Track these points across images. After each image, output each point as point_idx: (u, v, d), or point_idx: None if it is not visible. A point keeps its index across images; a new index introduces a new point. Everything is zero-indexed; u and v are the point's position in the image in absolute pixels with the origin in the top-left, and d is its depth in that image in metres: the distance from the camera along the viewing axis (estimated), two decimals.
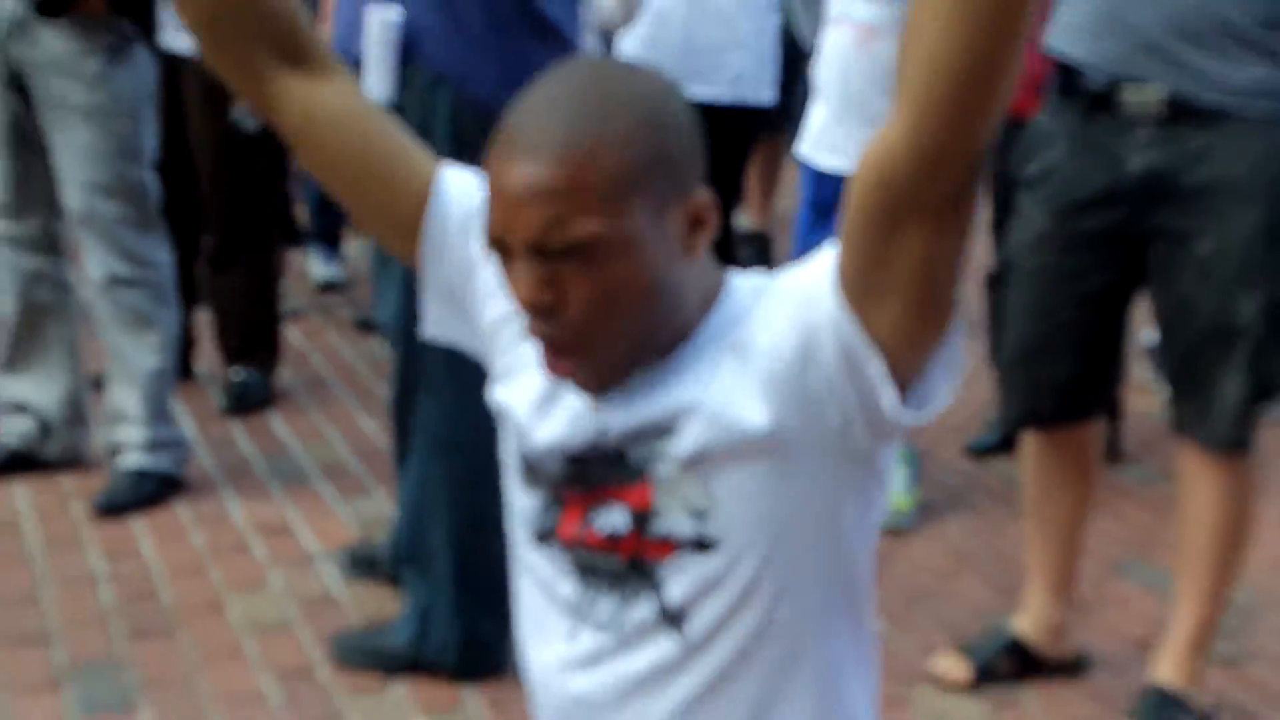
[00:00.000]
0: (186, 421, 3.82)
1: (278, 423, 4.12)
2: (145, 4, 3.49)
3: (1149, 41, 2.62)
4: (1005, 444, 3.96)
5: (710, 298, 1.23)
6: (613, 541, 1.28)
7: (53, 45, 3.35)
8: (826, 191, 3.74)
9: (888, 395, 1.11)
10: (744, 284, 1.25)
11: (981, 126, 1.06)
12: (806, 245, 3.84)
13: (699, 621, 1.24)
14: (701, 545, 1.24)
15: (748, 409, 1.17)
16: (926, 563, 3.57)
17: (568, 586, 1.32)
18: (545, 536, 1.34)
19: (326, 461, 3.90)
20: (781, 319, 1.18)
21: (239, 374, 4.14)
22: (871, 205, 1.08)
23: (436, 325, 1.43)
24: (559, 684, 1.34)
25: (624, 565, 1.29)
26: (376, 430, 4.00)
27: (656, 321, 1.20)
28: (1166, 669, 2.79)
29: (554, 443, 1.27)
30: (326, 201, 4.69)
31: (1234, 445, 2.76)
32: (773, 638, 1.25)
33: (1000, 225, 3.69)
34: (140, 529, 3.38)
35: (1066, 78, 2.84)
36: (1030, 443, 3.00)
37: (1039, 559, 3.01)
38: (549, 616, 1.35)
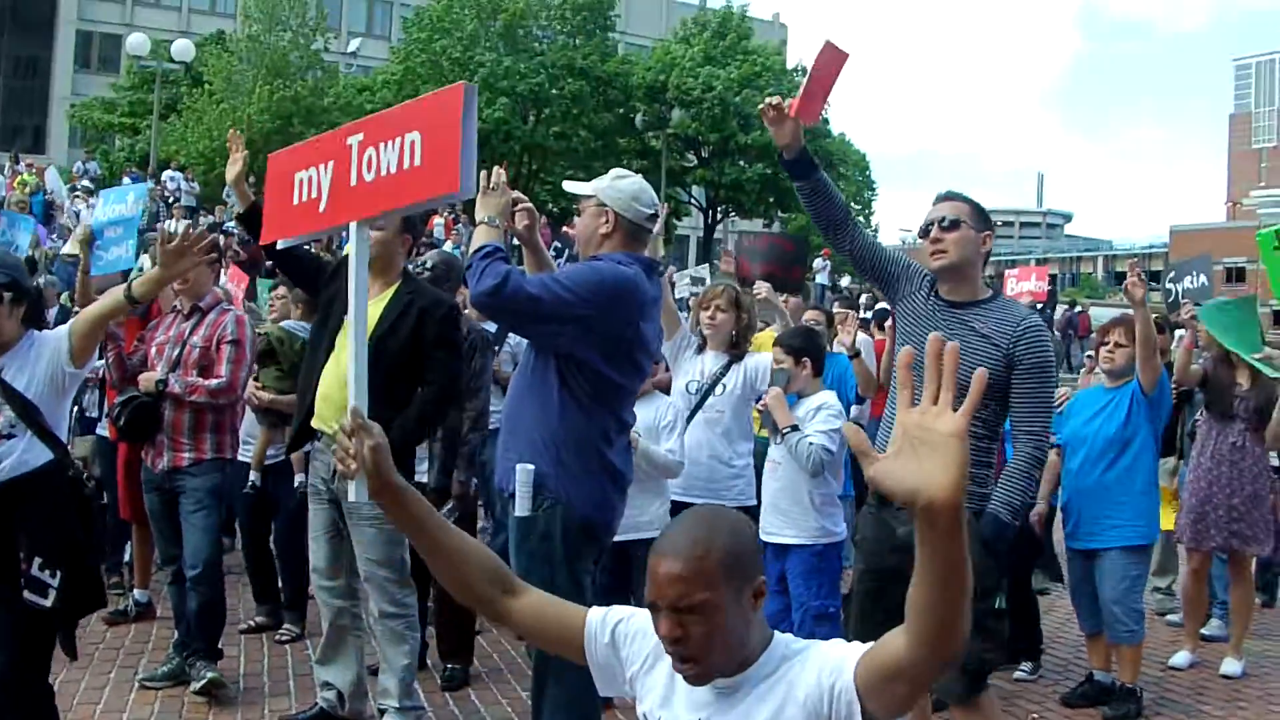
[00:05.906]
0: (422, 695, 4.64)
1: (473, 695, 5.14)
2: (404, 461, 4.06)
3: None
4: None
5: (763, 642, 1.62)
6: None
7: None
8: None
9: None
10: (783, 637, 1.66)
11: (949, 654, 1.40)
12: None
13: None
14: None
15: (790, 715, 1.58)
16: None
17: None
18: None
19: (498, 718, 4.90)
20: (815, 677, 1.57)
21: (449, 667, 5.25)
22: (886, 678, 1.50)
23: (600, 686, 1.83)
24: None
25: None
26: (525, 692, 4.90)
27: (733, 647, 1.58)
28: None
29: None
30: None
31: (958, 701, 3.48)
32: None
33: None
34: None
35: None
36: None
37: None
38: None
